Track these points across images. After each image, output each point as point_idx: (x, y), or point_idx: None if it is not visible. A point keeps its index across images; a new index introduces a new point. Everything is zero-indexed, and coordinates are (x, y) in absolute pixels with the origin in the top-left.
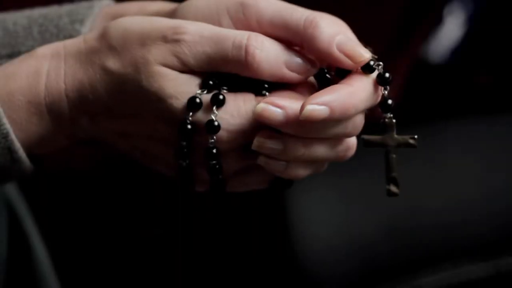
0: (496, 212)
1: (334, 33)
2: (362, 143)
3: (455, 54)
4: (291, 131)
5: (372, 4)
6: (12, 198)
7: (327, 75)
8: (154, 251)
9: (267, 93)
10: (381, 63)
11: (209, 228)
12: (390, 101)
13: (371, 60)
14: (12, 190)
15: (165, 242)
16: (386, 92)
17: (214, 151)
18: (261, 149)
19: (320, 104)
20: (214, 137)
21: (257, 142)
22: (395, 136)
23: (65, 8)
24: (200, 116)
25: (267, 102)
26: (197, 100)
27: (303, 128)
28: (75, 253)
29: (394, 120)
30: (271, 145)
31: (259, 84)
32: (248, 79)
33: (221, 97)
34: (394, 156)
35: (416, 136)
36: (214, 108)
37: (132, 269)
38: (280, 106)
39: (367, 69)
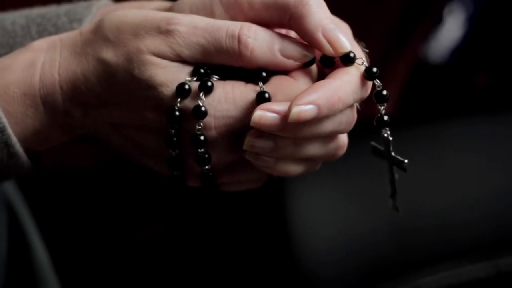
0: (496, 212)
1: (323, 17)
2: (370, 150)
3: (455, 54)
4: (290, 134)
5: (372, 4)
6: (12, 198)
7: (332, 58)
8: (153, 250)
9: (261, 83)
10: (363, 59)
11: (208, 228)
12: (385, 92)
13: (351, 52)
14: (11, 190)
15: (165, 242)
16: (378, 83)
17: (202, 138)
18: (252, 149)
19: (306, 103)
20: (201, 124)
21: (247, 142)
22: (392, 154)
23: (64, 7)
24: (189, 103)
25: (262, 109)
26: (186, 86)
27: (300, 130)
28: (74, 252)
29: (390, 138)
30: (261, 144)
31: (253, 75)
32: (241, 71)
33: (209, 83)
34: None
35: (406, 161)
36: (202, 94)
37: (132, 268)
38: (276, 111)
39: (346, 60)
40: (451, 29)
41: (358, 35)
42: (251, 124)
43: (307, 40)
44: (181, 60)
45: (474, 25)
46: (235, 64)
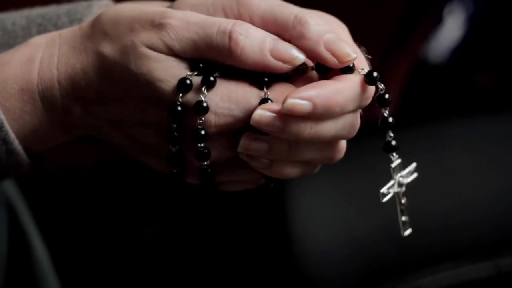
0: (496, 212)
1: (323, 31)
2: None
3: (455, 54)
4: (290, 136)
5: (372, 4)
6: (12, 198)
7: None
8: (153, 250)
9: (265, 89)
10: (364, 69)
11: (208, 227)
12: (387, 96)
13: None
14: (11, 189)
15: (165, 241)
16: (382, 86)
17: (202, 132)
18: (246, 151)
19: (303, 98)
20: (203, 119)
21: (242, 144)
22: (402, 177)
23: (64, 7)
24: (190, 97)
25: (263, 108)
26: (188, 81)
27: (300, 133)
28: (74, 252)
29: (399, 160)
30: (256, 146)
31: (255, 79)
32: (244, 74)
33: (211, 78)
34: (404, 200)
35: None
36: (204, 89)
37: (132, 268)
38: (276, 111)
39: (346, 70)
40: (451, 29)
41: (358, 35)
42: (251, 122)
43: (312, 57)
44: (174, 54)
45: (474, 25)
46: (225, 62)
